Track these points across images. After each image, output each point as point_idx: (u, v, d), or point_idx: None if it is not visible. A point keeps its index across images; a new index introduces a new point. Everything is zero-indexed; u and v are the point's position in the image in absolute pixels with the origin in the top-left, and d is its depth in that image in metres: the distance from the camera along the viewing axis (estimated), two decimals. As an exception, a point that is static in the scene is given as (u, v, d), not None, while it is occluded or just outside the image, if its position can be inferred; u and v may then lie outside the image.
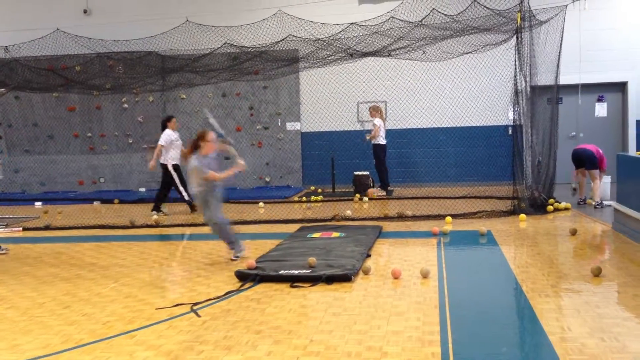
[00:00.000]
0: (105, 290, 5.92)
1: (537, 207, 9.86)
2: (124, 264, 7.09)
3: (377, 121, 12.89)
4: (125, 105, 15.24)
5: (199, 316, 4.94)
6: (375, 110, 13.04)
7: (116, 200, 13.24)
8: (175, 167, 10.86)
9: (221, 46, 11.12)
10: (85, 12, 15.03)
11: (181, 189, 10.82)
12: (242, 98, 14.84)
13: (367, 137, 12.89)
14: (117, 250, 8.01)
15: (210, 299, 5.41)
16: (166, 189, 11.05)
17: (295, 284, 5.78)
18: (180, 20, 11.60)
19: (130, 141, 15.26)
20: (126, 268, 6.88)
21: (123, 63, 12.50)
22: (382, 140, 12.88)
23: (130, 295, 5.70)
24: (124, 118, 15.29)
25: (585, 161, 10.32)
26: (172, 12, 13.50)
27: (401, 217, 9.72)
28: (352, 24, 10.55)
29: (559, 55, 10.60)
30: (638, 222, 7.29)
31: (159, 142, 10.88)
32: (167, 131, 10.93)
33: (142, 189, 15.14)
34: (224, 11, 13.94)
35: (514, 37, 10.16)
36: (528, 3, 10.04)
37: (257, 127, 14.88)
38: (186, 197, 10.82)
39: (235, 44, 11.19)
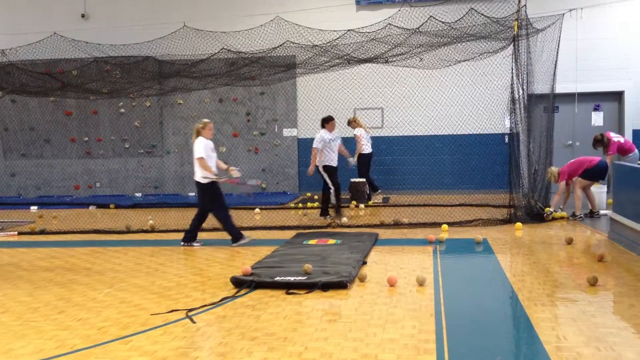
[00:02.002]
0: (100, 295, 5.89)
1: (534, 215, 9.86)
2: (119, 269, 7.07)
3: (358, 131, 12.87)
4: (122, 110, 15.22)
5: (194, 322, 4.92)
6: (353, 122, 13.03)
7: (112, 205, 13.20)
8: (327, 168, 10.51)
9: (218, 52, 11.12)
10: (82, 16, 15.04)
11: (332, 192, 10.50)
12: (239, 104, 14.84)
13: (352, 162, 12.73)
14: (113, 255, 7.98)
15: (205, 305, 5.39)
16: (328, 191, 10.61)
17: (290, 291, 5.76)
18: (178, 25, 11.59)
19: (127, 146, 15.23)
20: (121, 273, 6.85)
21: (120, 68, 12.48)
22: (365, 150, 12.89)
23: (125, 300, 5.67)
24: (121, 123, 15.27)
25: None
26: (169, 18, 13.49)
27: (397, 225, 9.71)
28: (349, 30, 10.57)
29: (556, 64, 10.64)
30: (634, 231, 7.29)
31: (313, 146, 10.49)
32: (322, 132, 10.55)
33: (138, 194, 15.11)
34: (221, 17, 13.95)
35: (511, 45, 10.19)
36: (525, 11, 10.08)
37: (254, 133, 14.88)
38: (333, 200, 10.54)
39: (232, 49, 11.20)
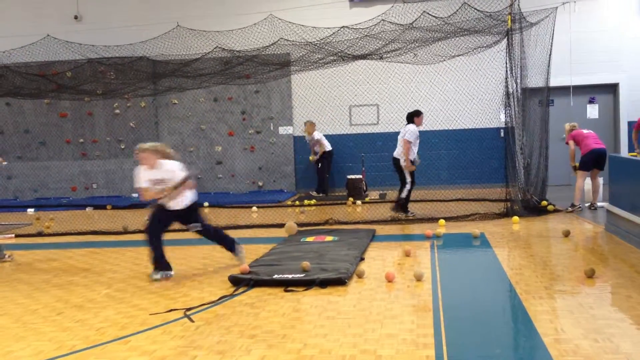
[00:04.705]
0: (99, 296, 5.88)
1: (530, 209, 9.88)
2: (117, 270, 7.06)
3: (317, 134, 13.57)
4: (117, 111, 15.19)
5: (193, 321, 4.92)
6: (310, 126, 13.64)
7: (109, 206, 13.18)
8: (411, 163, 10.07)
9: (212, 50, 11.10)
10: (75, 17, 14.98)
11: (409, 187, 10.05)
12: (234, 102, 14.83)
13: (312, 158, 13.68)
14: (110, 256, 7.97)
15: (204, 304, 5.39)
16: (404, 186, 10.15)
17: (289, 288, 5.77)
18: (171, 25, 11.57)
19: (123, 147, 15.20)
20: (119, 274, 6.85)
21: (114, 68, 12.47)
22: (328, 147, 13.61)
23: (124, 301, 5.67)
24: (116, 123, 15.25)
25: (605, 161, 9.70)
26: (162, 17, 13.45)
27: (394, 221, 9.72)
28: (343, 27, 10.57)
29: (550, 57, 10.65)
30: (630, 223, 7.31)
31: (405, 137, 9.91)
32: (413, 126, 10.07)
33: (135, 195, 15.06)
34: (214, 15, 13.93)
35: (505, 39, 10.21)
36: (518, 5, 10.09)
37: (250, 132, 14.86)
38: (403, 195, 10.07)
39: (226, 48, 11.18)
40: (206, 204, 12.87)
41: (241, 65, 11.65)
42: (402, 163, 9.97)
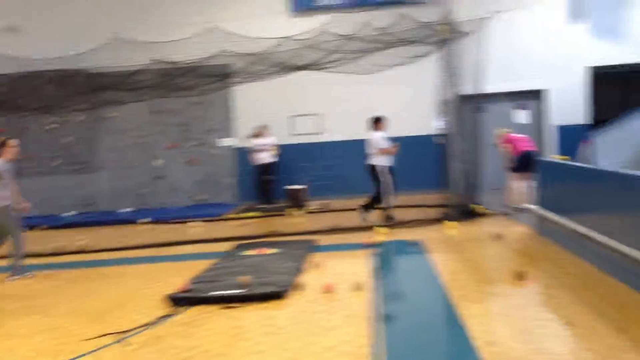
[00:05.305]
0: (32, 320, 5.64)
1: (466, 213, 10.12)
2: (49, 293, 6.80)
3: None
4: (54, 126, 14.69)
5: (128, 345, 4.80)
6: (265, 129, 13.75)
7: (43, 226, 12.67)
8: (391, 170, 10.26)
9: (151, 62, 10.90)
10: (9, 29, 14.41)
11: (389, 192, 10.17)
12: (175, 114, 14.58)
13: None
14: (43, 279, 7.66)
15: (139, 327, 5.26)
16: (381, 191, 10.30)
17: (227, 305, 5.70)
18: (109, 36, 11.28)
19: (57, 163, 14.69)
20: (51, 298, 6.58)
21: (50, 82, 12.07)
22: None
23: (55, 326, 5.46)
24: (52, 139, 14.74)
25: (535, 163, 9.90)
26: (99, 29, 13.03)
27: (334, 230, 9.74)
28: (283, 38, 10.60)
29: (482, 65, 10.99)
30: (559, 225, 7.59)
31: (380, 147, 10.25)
32: (378, 134, 10.34)
33: (71, 213, 14.55)
34: (153, 27, 13.62)
35: (440, 48, 10.50)
36: (453, 15, 10.41)
37: (191, 144, 14.66)
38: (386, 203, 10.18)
39: (164, 60, 11.00)
40: (146, 220, 12.58)
41: (182, 77, 11.50)
42: (379, 169, 10.28)
